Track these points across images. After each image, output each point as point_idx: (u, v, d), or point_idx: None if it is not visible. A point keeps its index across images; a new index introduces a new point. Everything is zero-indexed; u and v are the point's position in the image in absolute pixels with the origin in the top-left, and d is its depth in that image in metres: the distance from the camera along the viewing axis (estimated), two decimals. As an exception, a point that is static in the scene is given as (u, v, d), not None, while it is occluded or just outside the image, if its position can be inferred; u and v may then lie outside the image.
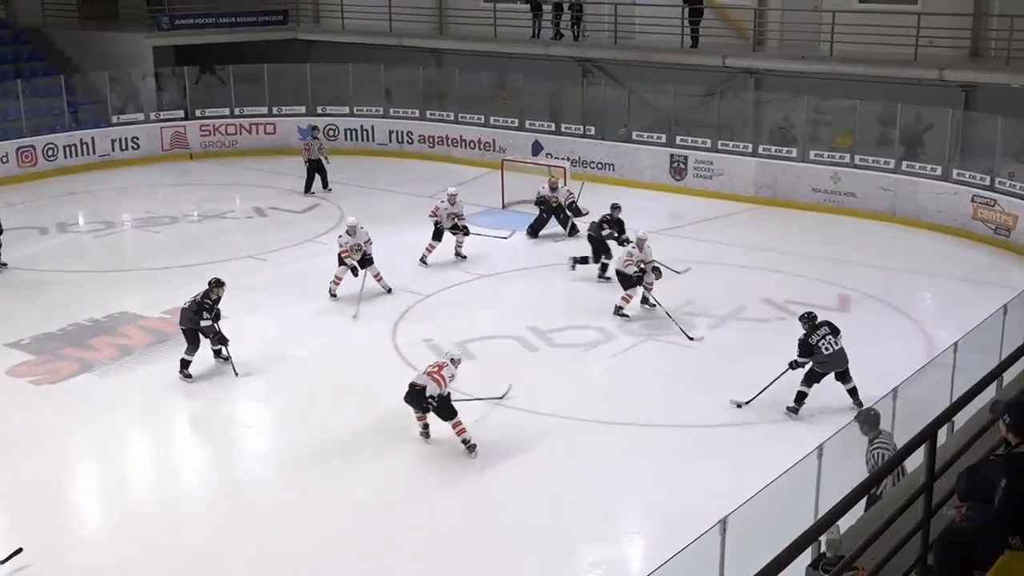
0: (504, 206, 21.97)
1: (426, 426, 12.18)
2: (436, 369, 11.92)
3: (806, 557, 7.03)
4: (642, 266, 15.70)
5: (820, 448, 8.73)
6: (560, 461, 11.77)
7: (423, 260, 18.49)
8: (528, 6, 27.62)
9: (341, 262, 16.66)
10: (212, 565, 9.92)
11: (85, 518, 11.30)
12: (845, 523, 5.93)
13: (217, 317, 14.01)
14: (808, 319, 12.68)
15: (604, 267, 17.43)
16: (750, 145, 23.03)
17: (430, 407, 11.81)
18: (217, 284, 14.07)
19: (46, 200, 23.12)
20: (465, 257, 18.73)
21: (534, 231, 20.11)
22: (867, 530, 5.70)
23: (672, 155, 23.58)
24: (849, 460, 9.45)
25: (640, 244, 15.79)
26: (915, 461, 5.43)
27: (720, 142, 23.32)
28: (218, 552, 10.16)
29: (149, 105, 27.75)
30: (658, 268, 15.84)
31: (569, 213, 19.91)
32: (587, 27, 27.21)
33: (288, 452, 12.47)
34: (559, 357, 14.65)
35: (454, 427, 11.89)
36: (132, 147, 26.86)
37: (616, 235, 17.56)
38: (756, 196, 22.51)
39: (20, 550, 9.73)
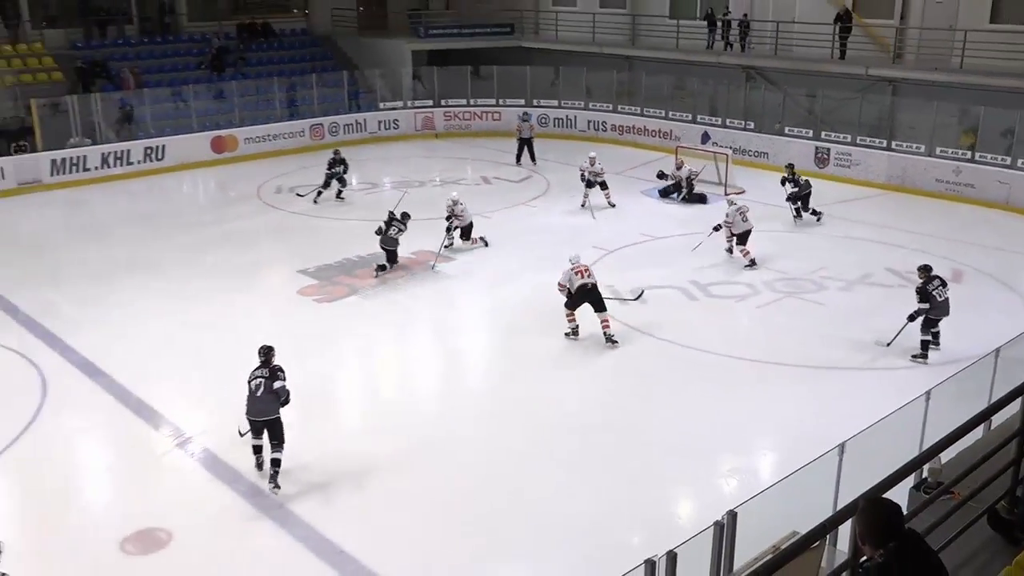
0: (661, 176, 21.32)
1: (577, 326, 12.88)
2: (587, 270, 12.81)
3: (910, 481, 6.76)
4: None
5: (928, 393, 8.33)
6: (708, 387, 11.62)
7: (583, 205, 19.49)
8: (705, 22, 26.94)
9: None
10: (438, 450, 10.23)
11: (348, 406, 11.84)
12: (945, 456, 5.68)
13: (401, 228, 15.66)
14: (925, 269, 12.28)
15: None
16: (884, 141, 21.82)
17: (599, 300, 12.68)
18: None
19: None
20: (614, 205, 19.49)
21: (665, 193, 20.45)
22: (965, 463, 5.46)
23: (817, 147, 22.58)
24: (953, 405, 8.97)
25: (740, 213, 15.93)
26: (1011, 410, 5.15)
27: (859, 138, 22.16)
28: (443, 440, 10.46)
29: (407, 95, 28.50)
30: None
31: (685, 188, 20.06)
32: (752, 40, 26.30)
33: (496, 363, 12.76)
34: (714, 306, 14.38)
35: (604, 324, 12.70)
36: (393, 127, 27.69)
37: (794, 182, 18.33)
38: (887, 183, 21.32)
39: (243, 434, 9.68)
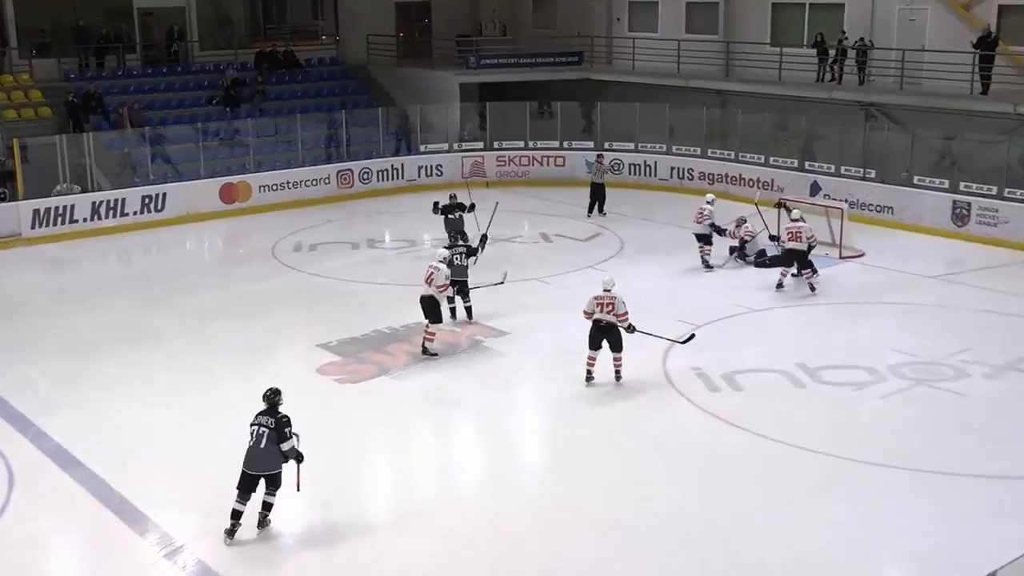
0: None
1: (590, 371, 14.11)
2: (609, 305, 13.78)
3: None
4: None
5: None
6: (818, 496, 11.26)
7: (709, 266, 19.75)
8: (814, 50, 26.99)
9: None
10: (478, 545, 10.23)
11: (372, 505, 11.68)
12: None
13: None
14: None
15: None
16: (1040, 194, 21.48)
17: (619, 339, 13.89)
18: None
19: (358, 218, 24.42)
20: (711, 267, 19.79)
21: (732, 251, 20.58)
22: None
23: (955, 201, 22.23)
24: None
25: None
26: None
27: (1007, 190, 21.79)
28: (484, 532, 10.50)
29: (453, 136, 28.88)
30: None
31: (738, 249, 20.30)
32: (872, 71, 26.22)
33: (551, 456, 12.60)
34: (826, 395, 14.03)
35: (616, 361, 14.04)
36: (436, 173, 28.01)
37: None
38: (1046, 246, 20.93)
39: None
